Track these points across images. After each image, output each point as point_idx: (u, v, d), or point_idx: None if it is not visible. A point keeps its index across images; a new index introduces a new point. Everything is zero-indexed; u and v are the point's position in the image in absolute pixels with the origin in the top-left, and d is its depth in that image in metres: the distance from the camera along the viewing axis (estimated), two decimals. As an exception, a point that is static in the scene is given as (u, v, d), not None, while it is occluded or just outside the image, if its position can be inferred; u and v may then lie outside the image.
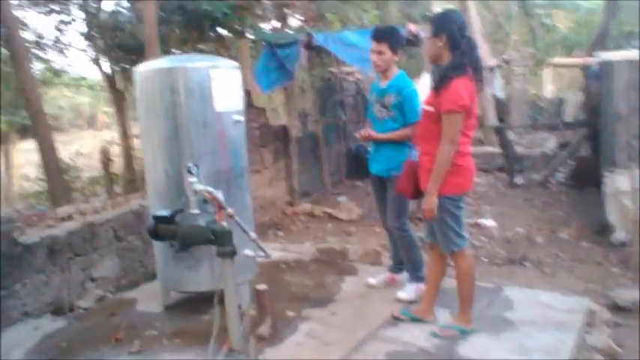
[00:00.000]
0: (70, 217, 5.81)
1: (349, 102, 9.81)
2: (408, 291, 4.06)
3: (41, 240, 4.11)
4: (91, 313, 4.14)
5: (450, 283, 3.68)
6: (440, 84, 3.16)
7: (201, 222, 3.28)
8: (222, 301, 3.25)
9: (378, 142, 4.07)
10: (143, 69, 3.85)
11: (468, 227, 6.20)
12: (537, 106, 16.23)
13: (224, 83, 3.82)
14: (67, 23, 11.52)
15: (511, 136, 11.63)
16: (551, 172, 8.64)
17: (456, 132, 3.14)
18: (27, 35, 12.39)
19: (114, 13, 10.03)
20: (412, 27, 7.06)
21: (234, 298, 3.31)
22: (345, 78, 9.91)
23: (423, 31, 6.53)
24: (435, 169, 3.22)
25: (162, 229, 3.38)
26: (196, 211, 3.39)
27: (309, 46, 6.73)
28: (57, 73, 15.44)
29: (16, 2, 12.42)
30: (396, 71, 3.99)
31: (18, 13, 12.44)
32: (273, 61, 6.70)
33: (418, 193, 3.51)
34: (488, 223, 6.38)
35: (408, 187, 3.57)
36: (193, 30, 7.73)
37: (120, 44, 9.91)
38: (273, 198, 7.25)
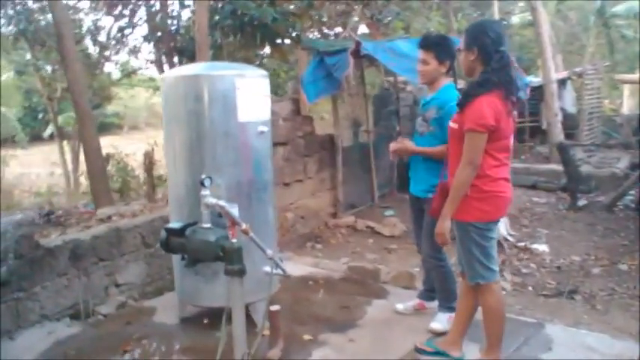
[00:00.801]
0: (108, 219, 5.87)
1: (405, 113, 9.48)
2: (441, 321, 3.74)
3: (64, 244, 4.09)
4: (109, 320, 4.08)
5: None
6: (464, 101, 2.88)
7: (211, 237, 3.12)
8: (231, 320, 3.10)
9: (416, 159, 3.77)
10: (168, 75, 3.76)
11: (518, 252, 5.92)
12: (613, 122, 15.29)
13: (250, 92, 3.67)
14: (133, 27, 11.90)
15: (579, 153, 10.97)
16: (619, 196, 8.00)
17: (476, 153, 2.85)
18: (100, 38, 13.02)
19: (173, 17, 10.17)
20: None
21: (242, 319, 3.14)
22: (403, 88, 9.61)
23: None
24: (451, 192, 2.96)
25: (174, 242, 3.26)
26: (207, 225, 3.24)
27: (358, 54, 6.52)
28: (127, 74, 16.06)
29: (88, 6, 13.00)
30: (443, 83, 3.64)
31: (92, 16, 13.07)
32: (320, 69, 6.52)
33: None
34: (541, 248, 5.94)
35: (441, 209, 3.27)
36: (246, 36, 7.67)
37: (179, 48, 10.06)
38: (315, 209, 7.06)
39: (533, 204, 8.31)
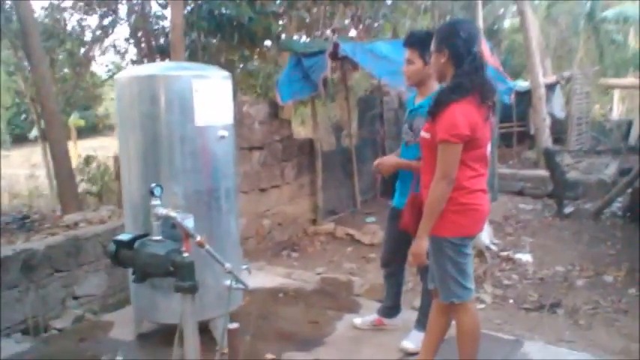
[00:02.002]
0: (75, 225, 5.61)
1: (390, 116, 9.28)
2: (414, 340, 3.48)
3: (15, 254, 3.84)
4: (63, 336, 3.83)
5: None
6: (435, 109, 2.64)
7: (161, 251, 2.88)
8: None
9: (404, 171, 3.43)
10: (121, 75, 3.53)
11: (500, 262, 5.71)
12: (602, 127, 15.15)
13: (210, 95, 3.44)
14: (113, 26, 11.64)
15: (567, 159, 10.81)
16: (606, 203, 7.81)
17: (450, 166, 2.59)
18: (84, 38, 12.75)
19: (155, 16, 9.94)
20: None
21: (195, 338, 2.92)
22: (387, 91, 9.41)
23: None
24: (426, 209, 2.70)
25: (123, 255, 3.02)
26: (158, 238, 3.00)
27: (337, 56, 6.31)
28: (112, 75, 15.78)
29: (70, 4, 12.72)
30: (434, 88, 3.22)
31: (75, 16, 12.80)
32: (297, 70, 6.31)
33: None
34: (524, 258, 5.73)
35: (412, 223, 3.03)
36: (225, 37, 7.44)
37: (160, 48, 9.82)
38: (294, 215, 6.83)
39: (518, 211, 8.11)
